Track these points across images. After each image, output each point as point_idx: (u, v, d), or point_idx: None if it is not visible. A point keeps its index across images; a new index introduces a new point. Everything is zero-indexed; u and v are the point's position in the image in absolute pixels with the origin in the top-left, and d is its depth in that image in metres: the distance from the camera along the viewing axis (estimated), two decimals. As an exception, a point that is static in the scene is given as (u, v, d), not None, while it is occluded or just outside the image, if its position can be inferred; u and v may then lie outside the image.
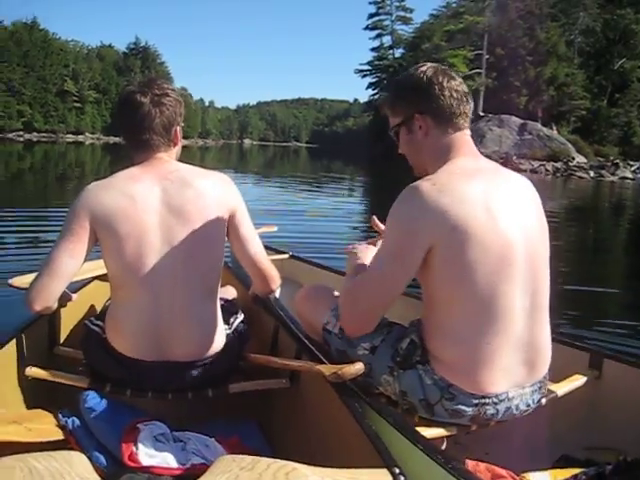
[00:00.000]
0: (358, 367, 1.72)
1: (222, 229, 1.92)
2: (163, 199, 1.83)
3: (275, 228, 4.40)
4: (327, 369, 1.74)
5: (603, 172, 35.74)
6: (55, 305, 1.92)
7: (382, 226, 2.13)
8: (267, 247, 2.18)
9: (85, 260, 1.85)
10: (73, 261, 1.81)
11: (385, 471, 1.31)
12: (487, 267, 1.57)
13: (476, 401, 1.64)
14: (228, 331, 2.07)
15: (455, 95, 1.71)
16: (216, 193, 1.89)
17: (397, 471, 1.30)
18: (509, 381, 1.65)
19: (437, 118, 1.72)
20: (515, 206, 1.66)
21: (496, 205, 1.61)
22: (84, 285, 2.67)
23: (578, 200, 20.76)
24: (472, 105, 1.76)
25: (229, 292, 2.56)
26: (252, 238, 2.01)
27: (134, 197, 1.81)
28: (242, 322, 2.22)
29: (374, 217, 2.22)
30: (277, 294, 2.41)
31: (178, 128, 1.95)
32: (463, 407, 1.64)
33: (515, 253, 1.61)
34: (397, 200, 1.66)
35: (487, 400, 1.64)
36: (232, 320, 2.17)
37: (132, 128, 1.89)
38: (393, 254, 1.65)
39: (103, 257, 1.87)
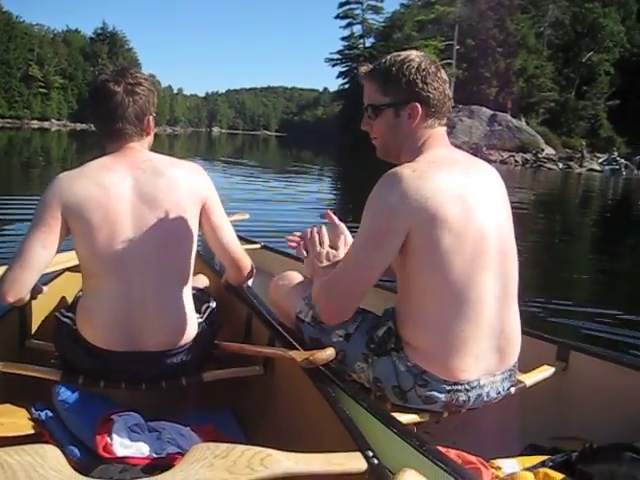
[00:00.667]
0: (329, 353, 1.74)
1: (194, 218, 1.92)
2: (135, 188, 1.83)
3: (247, 216, 4.39)
4: (299, 355, 1.77)
5: (571, 164, 36.40)
6: (28, 296, 1.92)
7: (337, 220, 2.13)
8: (239, 237, 2.18)
9: (57, 250, 1.84)
10: (45, 252, 1.80)
11: (358, 454, 1.33)
12: (462, 255, 1.60)
13: (449, 388, 1.66)
14: (200, 320, 2.07)
15: (446, 92, 1.72)
16: (188, 182, 1.90)
17: (370, 454, 1.32)
18: (480, 368, 1.68)
19: (430, 110, 1.70)
20: (488, 197, 1.70)
21: (472, 196, 1.64)
22: (55, 277, 2.65)
23: (547, 191, 21.19)
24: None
25: (201, 280, 2.55)
26: (224, 227, 2.02)
27: (106, 186, 1.81)
28: (214, 310, 2.23)
29: (329, 211, 2.21)
30: (250, 283, 2.43)
31: (151, 117, 1.95)
32: (436, 393, 1.66)
33: (489, 242, 1.64)
34: (377, 185, 1.65)
35: (459, 387, 1.66)
36: (204, 309, 2.16)
37: (105, 117, 1.88)
38: (372, 240, 1.64)
39: (75, 246, 1.85)
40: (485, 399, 1.72)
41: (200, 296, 2.21)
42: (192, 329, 1.98)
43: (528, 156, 37.91)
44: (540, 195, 18.50)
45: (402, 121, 1.72)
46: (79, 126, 75.71)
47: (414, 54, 1.73)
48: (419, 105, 1.69)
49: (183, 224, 1.88)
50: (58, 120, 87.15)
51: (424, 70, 1.68)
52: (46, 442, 1.58)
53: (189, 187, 1.90)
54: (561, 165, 36.23)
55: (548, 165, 35.78)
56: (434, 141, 1.72)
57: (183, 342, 1.94)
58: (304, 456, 1.30)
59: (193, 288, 2.07)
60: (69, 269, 2.73)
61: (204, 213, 1.95)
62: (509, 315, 1.72)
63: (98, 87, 1.87)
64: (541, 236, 9.66)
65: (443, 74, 1.72)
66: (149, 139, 1.99)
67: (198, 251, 2.03)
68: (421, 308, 1.67)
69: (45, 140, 41.58)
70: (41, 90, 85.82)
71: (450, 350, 1.64)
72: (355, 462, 1.31)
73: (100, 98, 1.87)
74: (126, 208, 1.81)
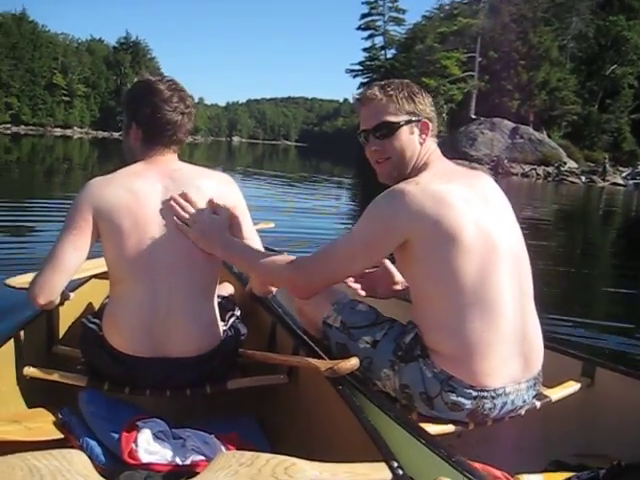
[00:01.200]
0: (353, 362, 1.76)
1: (224, 229, 1.93)
2: (164, 197, 1.87)
3: (273, 224, 4.41)
4: (323, 364, 1.78)
5: (594, 177, 35.79)
6: (58, 300, 1.95)
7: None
8: (264, 247, 2.26)
9: (89, 253, 1.88)
10: (76, 254, 1.84)
11: (383, 465, 1.33)
12: (472, 258, 1.65)
13: (475, 394, 1.67)
14: (225, 328, 2.09)
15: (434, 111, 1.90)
16: (218, 193, 1.94)
17: (395, 464, 1.32)
18: (505, 374, 1.70)
19: (433, 127, 1.85)
20: (490, 200, 1.78)
21: (475, 201, 1.71)
22: (82, 284, 2.68)
23: (569, 205, 20.76)
24: None
25: (226, 289, 2.58)
26: (252, 237, 2.03)
27: (136, 192, 1.85)
28: (238, 319, 2.28)
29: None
30: (274, 292, 2.43)
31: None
32: (462, 400, 1.68)
33: (498, 244, 1.69)
34: (381, 195, 1.73)
35: (485, 394, 1.68)
36: (228, 317, 2.20)
37: (162, 127, 1.93)
38: (366, 242, 1.73)
39: (104, 251, 1.89)
40: (510, 408, 1.73)
41: (225, 304, 2.25)
42: (217, 337, 2.00)
43: (550, 169, 37.37)
44: (562, 209, 18.23)
45: (415, 137, 1.84)
46: (101, 134, 76.58)
47: (405, 80, 1.91)
48: (429, 122, 1.84)
49: None
50: (80, 128, 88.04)
51: (423, 92, 1.87)
52: (72, 447, 1.60)
53: (217, 198, 1.92)
54: (584, 179, 35.63)
55: (571, 179, 35.19)
56: (434, 156, 1.85)
57: (208, 350, 1.95)
58: (329, 466, 1.30)
59: (218, 296, 2.09)
60: (96, 276, 2.76)
61: (232, 223, 1.96)
62: (529, 316, 1.76)
63: (165, 100, 1.92)
64: (563, 251, 9.60)
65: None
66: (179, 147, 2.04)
67: (224, 260, 2.06)
68: (437, 314, 1.71)
69: (67, 148, 42.01)
70: (64, 98, 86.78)
71: (474, 353, 1.67)
72: (380, 473, 1.31)
73: (167, 110, 1.91)
74: (155, 215, 1.85)
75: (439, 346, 1.71)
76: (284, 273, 1.85)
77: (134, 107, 1.97)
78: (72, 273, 1.89)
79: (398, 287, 2.24)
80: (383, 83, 1.88)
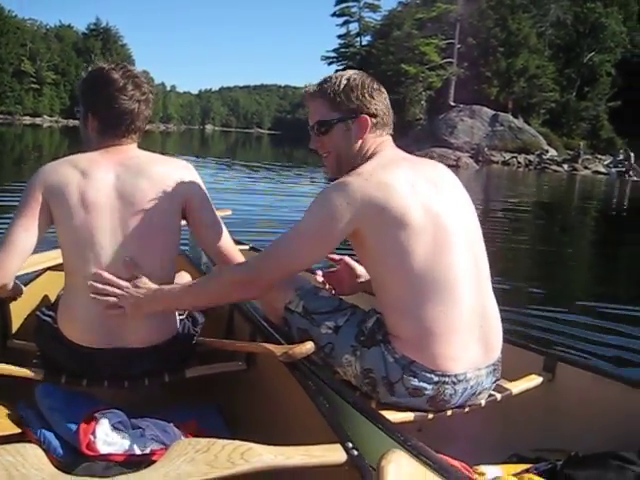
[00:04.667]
0: (308, 347, 1.77)
1: (176, 217, 1.93)
2: (116, 185, 1.85)
3: (230, 212, 4.39)
4: (278, 349, 1.79)
5: (576, 165, 35.70)
6: (12, 283, 1.92)
7: (337, 256, 2.25)
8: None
9: (41, 236, 1.86)
10: (27, 235, 1.82)
11: (338, 446, 1.35)
12: (423, 244, 1.66)
13: (436, 379, 1.68)
14: (182, 317, 2.08)
15: (388, 103, 1.88)
16: (172, 180, 1.91)
17: (350, 445, 1.34)
18: (466, 359, 1.71)
19: (377, 121, 1.84)
20: (439, 183, 1.79)
21: (423, 186, 1.73)
22: (36, 277, 2.66)
23: (549, 193, 20.55)
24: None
25: (183, 278, 2.48)
26: (214, 225, 2.01)
27: (86, 173, 1.84)
28: None
29: (331, 256, 2.24)
30: None
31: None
32: (423, 384, 1.69)
33: (450, 228, 1.71)
34: (325, 190, 1.76)
35: (446, 379, 1.69)
36: None
37: (121, 117, 1.90)
38: (313, 233, 1.74)
39: (57, 236, 1.87)
40: (470, 393, 1.75)
41: None
42: (173, 326, 2.00)
43: (531, 157, 37.35)
44: (544, 198, 18.29)
45: (352, 134, 1.84)
46: (71, 122, 74.80)
47: (356, 72, 1.89)
48: (367, 117, 1.82)
49: (163, 223, 1.89)
50: (50, 116, 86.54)
51: (368, 86, 1.83)
52: (29, 441, 1.57)
53: (171, 185, 1.90)
54: (566, 167, 35.60)
55: (553, 167, 35.17)
56: (381, 147, 1.85)
57: (164, 339, 1.95)
58: (284, 449, 1.31)
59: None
60: (50, 268, 2.73)
61: (190, 212, 1.96)
62: (487, 299, 1.79)
63: (117, 88, 1.87)
64: (536, 241, 9.63)
65: (384, 90, 1.89)
66: (138, 134, 2.00)
67: (182, 249, 2.03)
68: (396, 299, 1.72)
69: (37, 136, 41.72)
70: (33, 86, 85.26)
71: (434, 336, 1.68)
72: (334, 454, 1.33)
73: (118, 98, 1.88)
74: (104, 203, 1.82)
75: (400, 331, 1.72)
76: (233, 281, 1.83)
77: (89, 97, 1.95)
78: (25, 255, 1.85)
79: (362, 280, 2.18)
80: (323, 79, 1.89)
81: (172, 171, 1.94)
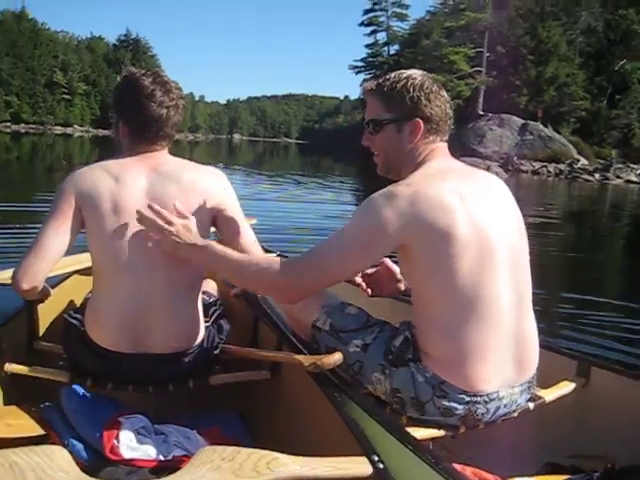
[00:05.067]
0: (337, 357, 1.74)
1: (206, 224, 1.92)
2: (147, 190, 1.85)
3: (255, 220, 4.33)
4: (306, 359, 1.77)
5: (608, 175, 35.11)
6: (41, 286, 1.92)
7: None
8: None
9: (72, 240, 1.86)
10: (59, 238, 1.82)
11: (364, 459, 1.33)
12: (467, 261, 1.60)
13: (467, 399, 1.64)
14: (207, 324, 2.08)
15: (447, 111, 1.77)
16: (202, 187, 1.90)
17: (376, 458, 1.33)
18: (499, 378, 1.67)
19: (431, 125, 1.75)
20: (490, 202, 1.70)
21: (471, 200, 1.64)
22: (64, 279, 2.67)
23: (582, 204, 20.21)
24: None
25: (209, 285, 2.51)
26: (243, 231, 2.00)
27: (119, 179, 1.84)
28: (221, 314, 2.25)
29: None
30: None
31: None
32: (455, 405, 1.65)
33: (494, 247, 1.64)
34: (375, 194, 1.66)
35: (478, 399, 1.65)
36: (211, 312, 2.18)
37: (152, 123, 1.89)
38: (360, 244, 1.66)
39: (87, 239, 1.87)
40: (503, 411, 1.71)
41: (207, 300, 2.24)
42: (199, 333, 2.00)
43: (562, 167, 36.84)
44: (575, 208, 18.04)
45: (404, 137, 1.77)
46: (101, 132, 75.86)
47: (417, 73, 1.79)
48: (421, 121, 1.73)
49: (192, 230, 1.83)
50: (81, 126, 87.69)
51: (427, 88, 1.74)
52: (54, 443, 1.60)
53: (202, 192, 1.89)
54: (597, 176, 35.01)
55: (584, 176, 34.59)
56: (433, 155, 1.76)
57: (190, 345, 1.95)
58: (310, 460, 1.30)
59: (202, 292, 2.10)
60: (78, 272, 2.75)
61: (220, 217, 1.95)
62: (526, 322, 1.73)
63: (147, 94, 1.86)
64: (568, 249, 9.54)
65: (445, 94, 1.78)
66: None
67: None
68: (435, 317, 1.67)
69: (67, 146, 42.21)
70: (65, 96, 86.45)
71: (468, 358, 1.63)
72: (360, 466, 1.31)
73: (149, 104, 1.86)
74: (136, 207, 1.80)
75: (433, 349, 1.68)
76: (271, 279, 1.73)
77: (119, 103, 1.96)
78: (55, 258, 1.86)
79: (401, 286, 2.16)
80: (383, 76, 1.82)
81: (203, 178, 1.93)
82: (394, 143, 1.78)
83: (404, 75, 1.77)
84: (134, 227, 1.81)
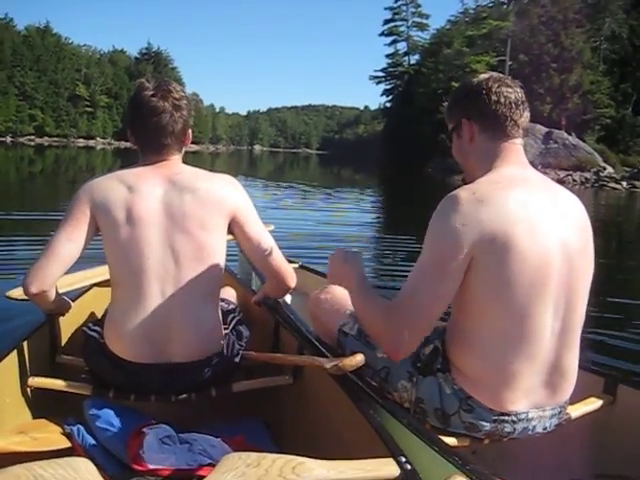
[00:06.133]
0: (359, 359, 1.70)
1: (221, 233, 1.92)
2: (163, 200, 1.85)
3: (272, 227, 4.30)
4: (327, 362, 1.74)
5: (636, 183, 34.45)
6: (52, 291, 1.93)
7: None
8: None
9: (84, 247, 1.87)
10: (71, 244, 1.83)
11: (391, 460, 1.33)
12: (523, 283, 1.53)
13: (495, 417, 1.61)
14: (226, 331, 2.08)
15: (504, 102, 1.67)
16: (218, 196, 1.90)
17: (403, 459, 1.32)
18: (530, 401, 1.62)
19: (483, 124, 1.69)
20: (557, 221, 1.61)
21: (537, 218, 1.56)
22: (84, 292, 2.67)
23: (607, 212, 19.63)
24: (527, 114, 1.71)
25: (228, 292, 2.53)
26: (262, 237, 2.00)
27: (134, 189, 1.84)
28: (240, 321, 2.25)
29: None
30: (288, 301, 2.42)
31: (189, 130, 1.98)
32: (481, 421, 1.62)
33: (551, 270, 1.56)
34: (436, 211, 1.62)
35: (506, 417, 1.61)
36: (230, 319, 2.19)
37: (152, 132, 1.89)
38: (438, 269, 1.56)
39: (104, 250, 1.87)
40: (530, 433, 1.65)
41: (226, 307, 2.24)
42: (219, 340, 1.99)
43: (588, 175, 36.21)
44: (600, 217, 17.38)
45: (463, 141, 1.74)
46: (123, 144, 76.73)
47: (479, 77, 1.74)
48: (472, 121, 1.70)
49: (208, 239, 1.87)
50: (103, 139, 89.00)
51: (477, 87, 1.69)
52: (79, 456, 1.56)
53: (217, 201, 1.89)
54: (625, 184, 34.39)
55: (612, 184, 33.98)
56: (502, 158, 1.68)
57: (210, 353, 1.94)
58: (336, 463, 1.29)
59: (220, 299, 2.10)
60: (98, 284, 2.74)
61: (237, 226, 1.95)
62: (567, 352, 1.64)
63: (144, 103, 1.87)
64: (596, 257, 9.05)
65: (505, 87, 1.68)
66: (184, 148, 2.01)
67: (226, 265, 2.03)
68: (475, 333, 1.61)
69: (90, 158, 43.02)
70: (87, 109, 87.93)
71: (499, 381, 1.59)
72: (388, 468, 1.30)
73: (147, 114, 1.87)
74: (151, 217, 1.82)
75: (464, 364, 1.63)
76: (381, 336, 1.68)
77: (126, 115, 1.98)
78: (66, 264, 1.86)
79: None
80: (451, 92, 1.83)
81: (217, 186, 1.93)
82: (459, 150, 1.78)
83: (459, 86, 1.81)
84: (150, 237, 1.82)
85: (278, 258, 2.03)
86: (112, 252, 1.85)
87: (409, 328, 1.59)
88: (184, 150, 2.02)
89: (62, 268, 1.86)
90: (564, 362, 1.65)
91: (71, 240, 1.83)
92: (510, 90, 1.68)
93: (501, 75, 1.73)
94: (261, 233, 2.00)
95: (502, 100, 1.66)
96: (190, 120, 1.95)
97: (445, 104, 1.83)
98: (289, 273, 2.07)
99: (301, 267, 3.94)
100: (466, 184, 1.66)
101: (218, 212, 1.89)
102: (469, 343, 1.63)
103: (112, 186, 1.85)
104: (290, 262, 3.98)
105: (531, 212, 1.56)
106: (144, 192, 1.84)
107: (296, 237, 8.30)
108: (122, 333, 1.87)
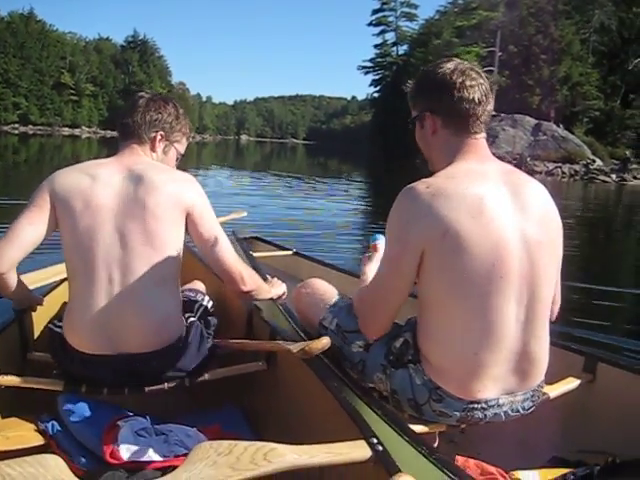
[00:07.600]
0: (324, 342, 1.71)
1: (176, 224, 1.92)
2: (119, 187, 1.88)
3: (245, 213, 4.49)
4: (295, 346, 1.75)
5: (625, 176, 34.49)
6: (11, 275, 1.94)
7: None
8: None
9: (46, 233, 1.88)
10: (31, 228, 1.85)
11: (362, 442, 1.34)
12: (479, 276, 1.54)
13: (464, 406, 1.63)
14: (193, 319, 2.09)
15: (469, 98, 1.64)
16: (173, 190, 1.91)
17: (375, 441, 1.34)
18: (500, 389, 1.64)
19: (446, 120, 1.69)
20: (516, 214, 1.61)
21: (492, 213, 1.57)
22: (54, 287, 2.66)
23: (593, 205, 19.57)
24: (490, 107, 1.69)
25: (198, 285, 2.56)
26: (213, 239, 1.98)
27: (94, 177, 1.88)
28: (208, 309, 2.30)
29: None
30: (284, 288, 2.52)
31: (159, 135, 2.05)
32: (451, 410, 1.64)
33: (509, 263, 1.56)
34: (394, 203, 1.65)
35: (476, 405, 1.63)
36: (197, 308, 2.22)
37: (125, 112, 2.04)
38: (390, 260, 1.66)
39: (61, 242, 1.88)
40: (503, 416, 1.67)
41: (193, 296, 2.31)
42: (179, 329, 1.97)
43: (577, 167, 36.20)
44: (593, 210, 17.51)
45: (426, 132, 1.75)
46: (109, 133, 76.07)
47: (437, 63, 1.72)
48: (435, 115, 1.70)
49: (160, 228, 1.87)
50: (88, 127, 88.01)
51: (441, 79, 1.67)
52: (53, 452, 1.59)
53: (172, 194, 1.90)
54: (614, 177, 34.40)
55: (601, 177, 34.00)
56: (463, 153, 1.68)
57: (169, 342, 1.92)
58: (308, 448, 1.30)
59: (188, 290, 2.28)
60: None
61: (191, 223, 1.95)
62: (535, 340, 1.64)
63: (139, 97, 2.06)
64: (582, 245, 9.37)
65: (471, 80, 1.64)
66: (156, 156, 2.06)
67: (195, 251, 2.14)
68: (438, 325, 1.64)
69: (75, 147, 42.39)
70: (72, 98, 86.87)
71: (465, 371, 1.61)
72: (359, 450, 1.32)
73: (131, 102, 2.06)
74: (107, 205, 1.84)
75: (431, 355, 1.66)
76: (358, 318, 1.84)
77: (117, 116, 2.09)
78: (26, 247, 1.86)
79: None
80: (416, 77, 1.80)
81: (172, 181, 1.93)
82: (421, 140, 1.78)
83: (429, 68, 1.75)
84: (103, 224, 1.83)
85: (229, 260, 2.00)
86: (67, 242, 1.86)
87: (370, 317, 1.77)
88: (154, 155, 2.06)
89: (22, 251, 1.87)
90: (532, 349, 1.65)
91: (32, 224, 1.85)
92: (475, 84, 1.65)
93: (467, 65, 1.69)
94: (213, 236, 1.97)
95: (466, 97, 1.64)
96: (164, 125, 2.04)
97: (409, 85, 1.79)
98: (239, 276, 2.03)
99: (295, 254, 3.99)
100: (426, 167, 1.76)
101: (172, 205, 1.89)
102: (434, 335, 1.65)
103: (73, 176, 1.89)
104: (285, 249, 4.03)
105: (486, 206, 1.56)
106: (103, 180, 1.87)
107: (290, 224, 8.80)
108: (77, 325, 1.86)
